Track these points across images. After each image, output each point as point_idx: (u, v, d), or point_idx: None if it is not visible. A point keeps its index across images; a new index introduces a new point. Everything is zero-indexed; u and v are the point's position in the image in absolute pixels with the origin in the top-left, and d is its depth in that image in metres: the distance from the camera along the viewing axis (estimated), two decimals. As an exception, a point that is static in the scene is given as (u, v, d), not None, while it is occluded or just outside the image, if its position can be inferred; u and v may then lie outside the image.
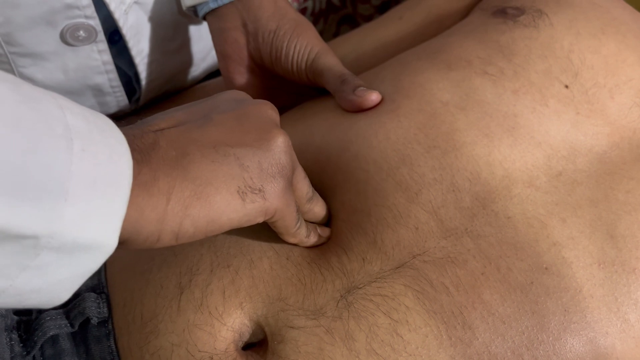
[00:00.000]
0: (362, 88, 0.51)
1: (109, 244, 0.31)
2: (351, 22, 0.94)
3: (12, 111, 0.28)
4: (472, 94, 0.48)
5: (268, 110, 0.42)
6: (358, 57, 0.61)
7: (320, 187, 0.48)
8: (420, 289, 0.42)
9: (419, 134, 0.47)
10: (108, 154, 0.31)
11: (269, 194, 0.39)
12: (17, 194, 0.27)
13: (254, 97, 0.59)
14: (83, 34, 0.56)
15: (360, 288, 0.42)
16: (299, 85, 0.57)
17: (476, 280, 0.42)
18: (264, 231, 0.45)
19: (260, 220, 0.39)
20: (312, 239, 0.45)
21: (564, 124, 0.47)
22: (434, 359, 0.41)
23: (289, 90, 0.59)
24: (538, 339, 0.41)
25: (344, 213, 0.46)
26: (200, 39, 0.69)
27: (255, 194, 0.38)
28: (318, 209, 0.46)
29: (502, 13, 0.53)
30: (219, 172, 0.36)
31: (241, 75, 0.58)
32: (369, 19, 0.93)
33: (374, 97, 0.50)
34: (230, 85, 0.59)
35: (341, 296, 0.42)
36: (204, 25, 0.66)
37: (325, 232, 0.46)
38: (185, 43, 0.68)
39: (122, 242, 0.33)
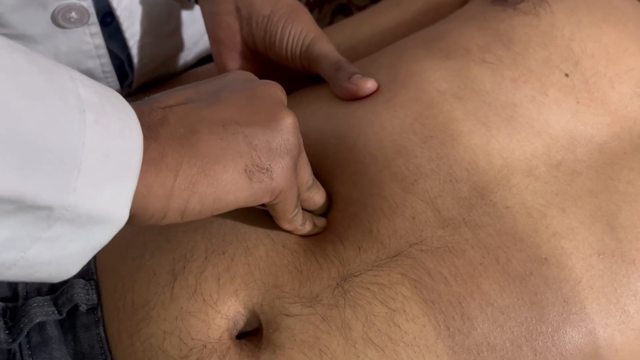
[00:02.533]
0: (357, 76, 0.50)
1: (120, 216, 0.31)
2: (346, 11, 0.93)
3: (28, 82, 0.28)
4: (470, 82, 0.47)
5: (277, 91, 0.42)
6: (354, 44, 0.60)
7: (317, 178, 0.47)
8: (417, 277, 0.41)
9: (415, 124, 0.46)
10: (120, 127, 0.31)
11: (277, 174, 0.38)
12: (31, 164, 0.27)
13: None
14: (75, 16, 0.55)
15: (357, 276, 0.42)
16: (293, 72, 0.56)
17: (475, 271, 0.41)
18: (260, 218, 0.44)
19: (266, 200, 0.39)
20: (307, 227, 0.45)
21: (564, 113, 0.47)
22: (432, 350, 0.40)
23: (282, 77, 0.58)
24: (537, 330, 0.41)
25: (340, 204, 0.46)
26: (194, 23, 0.68)
27: (263, 173, 0.37)
28: (318, 197, 0.46)
29: (502, 0, 0.53)
30: (227, 150, 0.36)
31: (234, 61, 0.57)
32: (363, 9, 0.92)
33: (369, 85, 0.49)
34: (222, 71, 0.57)
35: (337, 284, 0.42)
36: (197, 10, 0.65)
37: (320, 222, 0.46)
38: (178, 27, 0.67)
39: (130, 217, 0.32)
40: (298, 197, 0.43)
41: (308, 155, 0.44)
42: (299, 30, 0.53)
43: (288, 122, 0.39)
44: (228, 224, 0.44)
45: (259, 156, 0.37)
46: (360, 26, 0.63)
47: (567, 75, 0.48)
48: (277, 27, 0.54)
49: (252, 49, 0.57)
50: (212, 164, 0.35)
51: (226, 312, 0.42)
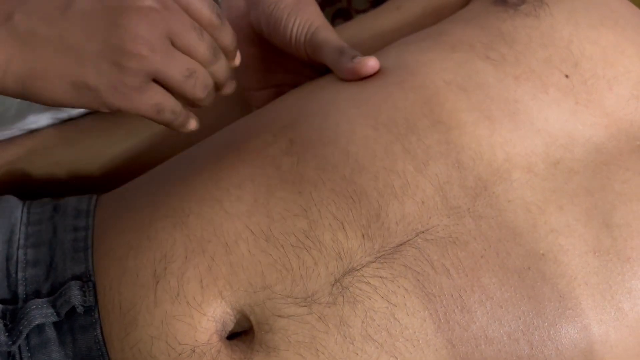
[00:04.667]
0: (360, 57, 0.50)
1: None
2: (346, 15, 0.94)
3: None
4: (474, 76, 0.48)
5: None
6: (355, 46, 0.61)
7: (320, 132, 0.47)
8: (420, 270, 0.41)
9: (424, 108, 0.46)
10: None
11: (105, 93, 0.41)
12: None
13: (252, 68, 0.58)
14: None
15: (358, 270, 0.41)
16: (297, 64, 0.57)
17: (476, 263, 0.42)
18: (237, 204, 0.44)
19: (106, 110, 0.43)
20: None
21: (563, 112, 0.48)
22: (431, 344, 0.40)
23: (287, 66, 0.59)
24: (534, 324, 0.41)
25: (347, 168, 0.44)
26: None
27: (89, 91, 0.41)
28: (225, 37, 0.47)
29: (503, 2, 0.54)
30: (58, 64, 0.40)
31: (239, 43, 0.58)
32: (363, 12, 0.93)
33: (372, 62, 0.50)
34: None
35: (336, 280, 0.41)
36: None
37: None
38: None
39: None
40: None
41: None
42: (304, 19, 0.54)
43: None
44: (204, 217, 0.44)
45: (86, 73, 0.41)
46: (362, 29, 0.64)
47: (567, 76, 0.49)
48: (282, 14, 0.54)
49: (258, 34, 0.57)
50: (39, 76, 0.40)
51: (212, 314, 0.41)
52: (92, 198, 0.51)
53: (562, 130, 0.47)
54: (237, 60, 0.49)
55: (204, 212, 0.44)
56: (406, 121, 0.46)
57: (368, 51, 0.58)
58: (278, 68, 0.59)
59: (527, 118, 0.47)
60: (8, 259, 0.46)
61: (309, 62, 0.55)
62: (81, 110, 0.61)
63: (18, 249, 0.47)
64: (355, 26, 0.65)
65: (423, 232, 0.42)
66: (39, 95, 0.41)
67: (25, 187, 0.59)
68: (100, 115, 0.61)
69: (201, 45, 0.44)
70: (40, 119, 0.61)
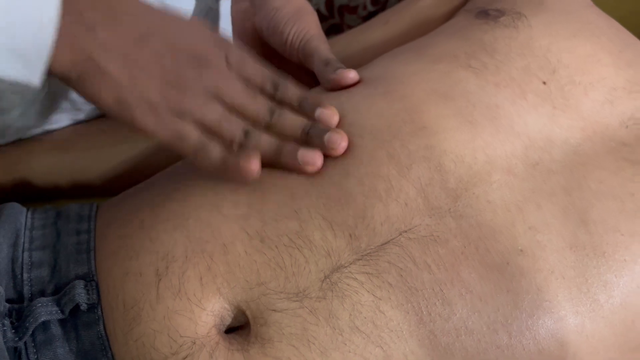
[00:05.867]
0: (341, 69, 0.54)
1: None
2: (338, 31, 0.97)
3: None
4: (457, 84, 0.51)
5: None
6: (344, 59, 0.64)
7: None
8: (403, 266, 0.43)
9: (409, 115, 0.49)
10: None
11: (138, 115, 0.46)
12: None
13: None
14: None
15: (346, 267, 0.44)
16: (295, 68, 0.60)
17: (456, 259, 0.44)
18: (232, 207, 0.46)
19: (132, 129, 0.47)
20: (232, 168, 0.46)
21: (541, 116, 0.50)
22: (414, 334, 0.42)
23: (286, 70, 0.62)
24: (512, 315, 0.43)
25: (334, 174, 0.47)
26: None
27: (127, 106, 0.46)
28: (290, 92, 0.51)
29: (485, 14, 0.56)
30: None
31: (244, 45, 0.62)
32: (355, 29, 0.96)
33: (351, 75, 0.53)
34: None
35: (325, 276, 0.43)
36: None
37: (254, 164, 0.46)
38: None
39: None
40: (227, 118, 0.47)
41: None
42: (300, 27, 0.58)
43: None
44: (203, 220, 0.46)
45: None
46: (351, 42, 0.67)
47: (544, 82, 0.51)
48: (282, 20, 0.58)
49: (260, 36, 0.61)
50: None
51: (211, 309, 0.44)
52: (93, 205, 0.54)
53: (541, 133, 0.49)
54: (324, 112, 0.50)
55: (202, 216, 0.46)
56: (390, 128, 0.48)
57: (359, 62, 0.60)
58: (277, 70, 0.62)
59: (507, 122, 0.49)
60: (14, 261, 0.48)
61: (301, 66, 0.59)
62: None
63: (23, 251, 0.49)
64: (346, 39, 0.68)
65: (406, 232, 0.45)
66: (87, 93, 0.46)
67: (26, 194, 0.61)
68: (103, 125, 0.63)
69: (251, 105, 0.48)
70: (62, 119, 0.64)
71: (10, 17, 0.41)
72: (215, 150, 0.46)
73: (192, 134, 0.46)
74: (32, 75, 0.44)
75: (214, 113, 0.47)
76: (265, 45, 0.62)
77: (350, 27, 0.98)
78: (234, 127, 0.47)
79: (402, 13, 0.66)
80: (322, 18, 0.96)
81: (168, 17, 0.49)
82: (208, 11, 0.67)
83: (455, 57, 0.53)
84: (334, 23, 0.97)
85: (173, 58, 0.47)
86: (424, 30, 0.62)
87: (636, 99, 0.52)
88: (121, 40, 0.46)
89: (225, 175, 0.46)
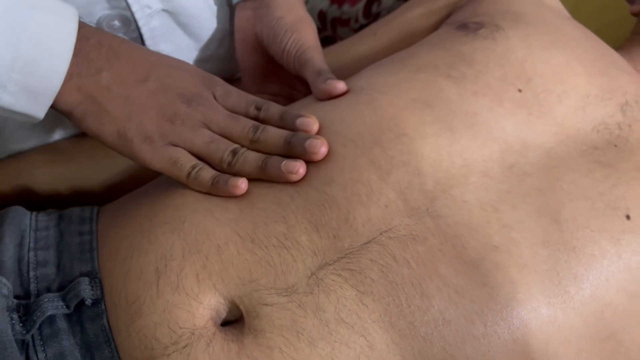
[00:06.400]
0: (332, 79, 0.57)
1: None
2: (331, 44, 0.99)
3: None
4: (438, 93, 0.54)
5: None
6: (335, 70, 0.67)
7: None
8: (384, 263, 0.46)
9: (390, 123, 0.51)
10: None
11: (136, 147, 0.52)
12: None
13: (252, 74, 0.67)
14: (118, 24, 0.62)
15: (331, 264, 0.46)
16: (291, 77, 0.63)
17: (434, 256, 0.47)
18: (225, 214, 0.49)
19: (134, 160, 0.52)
20: (221, 187, 0.50)
21: (518, 122, 0.53)
22: (395, 325, 0.45)
23: (283, 78, 0.66)
24: (488, 306, 0.46)
25: (318, 181, 0.50)
26: (222, 61, 0.73)
27: (127, 140, 0.51)
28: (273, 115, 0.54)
29: (465, 27, 0.59)
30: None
31: (245, 52, 0.66)
32: (348, 41, 0.98)
33: (340, 85, 0.56)
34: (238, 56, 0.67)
35: (312, 273, 0.46)
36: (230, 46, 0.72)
37: (241, 183, 0.50)
38: (203, 58, 0.72)
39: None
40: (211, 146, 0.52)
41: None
42: (298, 38, 0.61)
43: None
44: (199, 224, 0.49)
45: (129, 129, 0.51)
46: (342, 54, 0.70)
47: (520, 90, 0.54)
48: (282, 29, 0.61)
49: (260, 45, 0.65)
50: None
51: (208, 302, 0.47)
52: (94, 208, 0.57)
53: (517, 138, 0.52)
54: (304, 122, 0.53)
55: (197, 220, 0.50)
56: (372, 135, 0.51)
57: (349, 73, 0.64)
58: (275, 78, 0.66)
59: (485, 128, 0.52)
60: (20, 260, 0.51)
61: (296, 75, 0.62)
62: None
63: (29, 251, 0.52)
64: (337, 51, 0.71)
65: (386, 231, 0.47)
66: (89, 128, 0.52)
67: (29, 201, 0.64)
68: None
69: (235, 126, 0.53)
70: (62, 131, 0.68)
71: (30, 56, 0.47)
72: (205, 173, 0.51)
73: (184, 159, 0.51)
74: (38, 110, 0.50)
75: (202, 137, 0.52)
76: (265, 55, 0.65)
77: (342, 39, 1.01)
78: (222, 148, 0.52)
79: (390, 25, 0.70)
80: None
81: (162, 60, 0.55)
82: (226, 33, 0.71)
83: (435, 67, 0.56)
84: (326, 35, 1.00)
85: (167, 96, 0.52)
86: (410, 41, 0.66)
87: (607, 106, 0.55)
88: (122, 82, 0.51)
89: (216, 194, 0.51)
